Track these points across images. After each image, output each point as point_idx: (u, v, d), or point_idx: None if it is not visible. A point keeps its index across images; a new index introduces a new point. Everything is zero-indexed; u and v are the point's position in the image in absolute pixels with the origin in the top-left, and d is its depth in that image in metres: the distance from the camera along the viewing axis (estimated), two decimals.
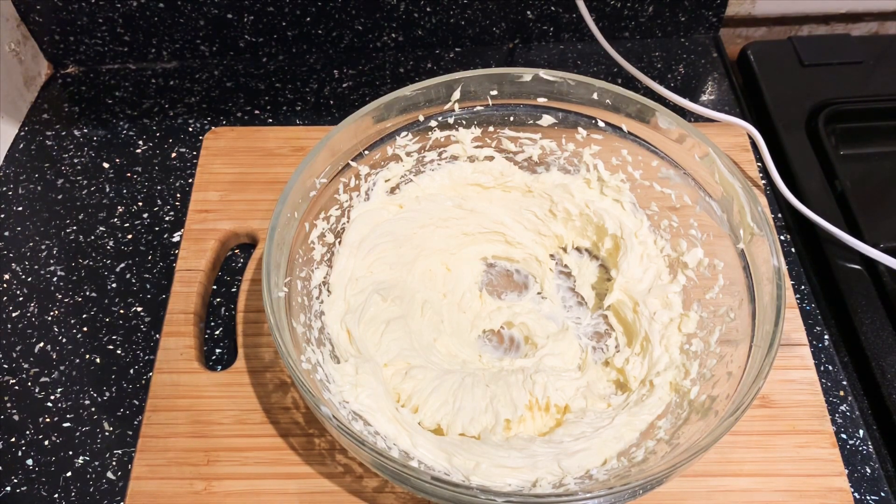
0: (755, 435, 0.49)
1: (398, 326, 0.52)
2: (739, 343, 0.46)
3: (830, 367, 0.53)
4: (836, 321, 0.56)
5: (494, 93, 0.54)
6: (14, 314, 0.56)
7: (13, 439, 0.50)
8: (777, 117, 0.67)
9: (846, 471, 0.47)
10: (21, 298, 0.57)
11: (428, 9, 0.71)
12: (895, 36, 0.78)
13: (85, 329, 0.56)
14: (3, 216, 0.62)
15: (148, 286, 0.58)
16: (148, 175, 0.65)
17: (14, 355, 0.54)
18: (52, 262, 0.59)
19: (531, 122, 0.56)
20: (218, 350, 0.55)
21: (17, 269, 0.59)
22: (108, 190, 0.64)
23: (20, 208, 0.63)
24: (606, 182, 0.57)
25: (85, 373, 0.53)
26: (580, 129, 0.55)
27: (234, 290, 0.57)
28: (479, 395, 0.49)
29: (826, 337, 0.55)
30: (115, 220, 0.62)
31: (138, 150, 0.67)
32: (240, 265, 0.59)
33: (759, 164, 0.63)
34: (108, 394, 0.52)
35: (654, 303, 0.53)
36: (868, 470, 0.49)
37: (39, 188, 0.64)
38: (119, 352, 0.54)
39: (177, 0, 0.68)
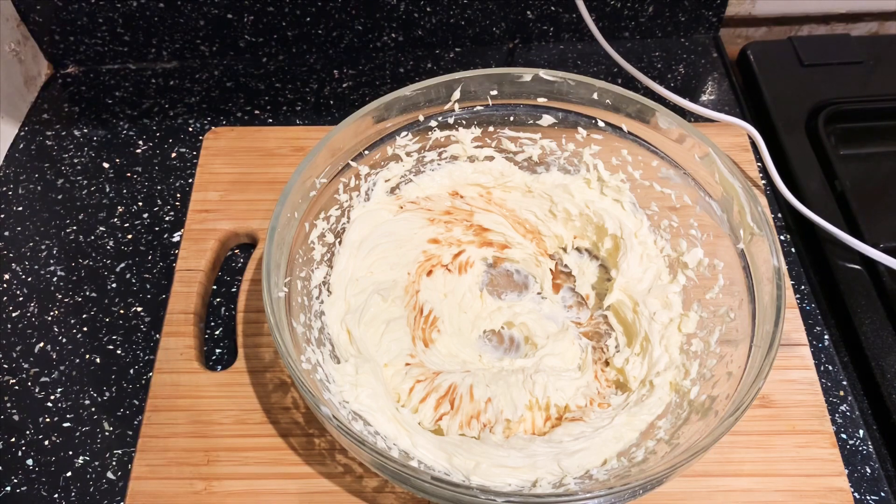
0: (755, 435, 0.49)
1: (398, 327, 0.52)
2: (739, 343, 0.46)
3: (830, 367, 0.53)
4: (836, 321, 0.56)
5: (494, 93, 0.54)
6: (14, 314, 0.56)
7: (13, 439, 0.50)
8: (777, 117, 0.67)
9: (846, 471, 0.47)
10: (21, 298, 0.57)
11: (428, 9, 0.71)
12: (895, 36, 0.78)
13: (85, 329, 0.56)
14: (3, 216, 0.62)
15: (148, 286, 0.58)
16: (148, 175, 0.65)
17: (14, 355, 0.54)
18: (52, 262, 0.59)
19: (531, 122, 0.56)
20: (218, 350, 0.55)
21: (17, 269, 0.59)
22: (108, 190, 0.64)
23: (20, 208, 0.63)
24: (606, 182, 0.57)
25: (85, 373, 0.53)
26: (580, 129, 0.55)
27: (234, 290, 0.57)
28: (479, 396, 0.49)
29: (826, 337, 0.55)
30: (115, 220, 0.62)
31: (138, 150, 0.67)
32: (240, 265, 0.59)
33: (759, 164, 0.63)
34: (108, 394, 0.52)
35: (654, 303, 0.53)
36: (868, 470, 0.49)
37: (39, 188, 0.64)
38: (119, 352, 0.54)
39: (177, 0, 0.68)
